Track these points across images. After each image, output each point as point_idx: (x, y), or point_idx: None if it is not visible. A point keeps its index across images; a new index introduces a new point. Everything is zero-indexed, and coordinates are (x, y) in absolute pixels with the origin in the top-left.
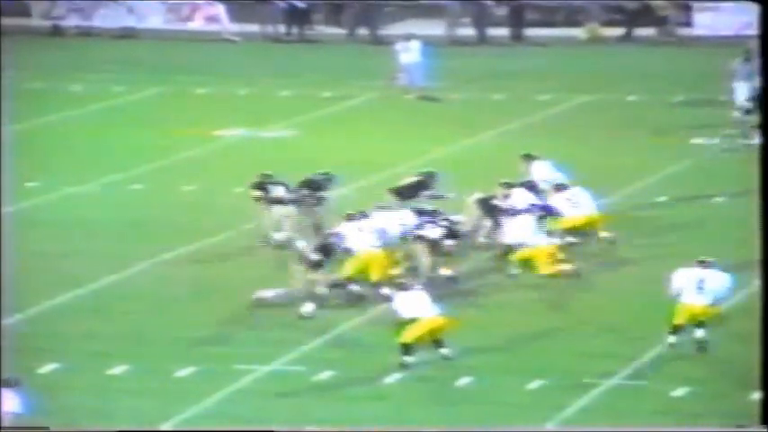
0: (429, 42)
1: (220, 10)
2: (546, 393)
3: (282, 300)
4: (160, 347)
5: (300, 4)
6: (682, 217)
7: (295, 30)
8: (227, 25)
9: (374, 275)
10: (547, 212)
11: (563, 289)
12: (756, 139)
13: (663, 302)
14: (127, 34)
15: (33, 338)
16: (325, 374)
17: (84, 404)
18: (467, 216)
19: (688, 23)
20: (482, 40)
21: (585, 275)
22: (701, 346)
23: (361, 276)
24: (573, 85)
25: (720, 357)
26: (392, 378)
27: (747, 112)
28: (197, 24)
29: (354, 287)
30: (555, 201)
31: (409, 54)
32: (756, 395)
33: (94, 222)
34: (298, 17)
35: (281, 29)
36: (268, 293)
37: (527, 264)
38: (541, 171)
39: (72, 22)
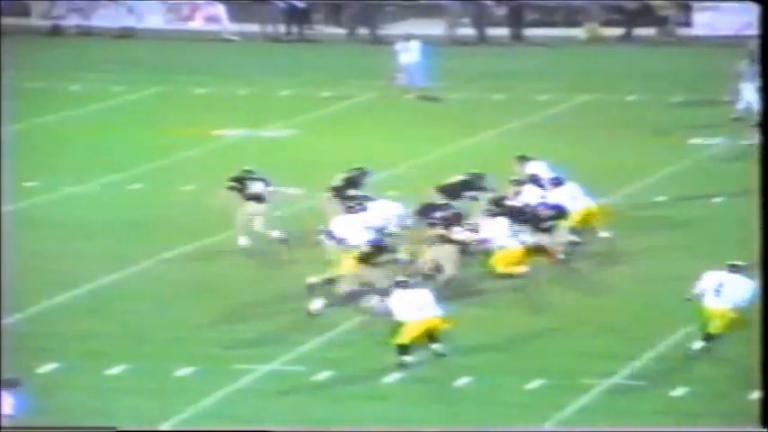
0: (429, 42)
1: (220, 10)
2: (545, 393)
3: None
4: (159, 347)
5: (300, 4)
6: (681, 217)
7: (295, 29)
8: (226, 25)
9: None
10: (558, 213)
11: (562, 289)
12: (756, 139)
13: (662, 302)
14: (126, 34)
15: (32, 338)
16: (325, 374)
17: (83, 404)
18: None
19: (688, 23)
20: (482, 39)
21: (585, 275)
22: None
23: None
24: (572, 85)
25: (720, 357)
26: (391, 378)
27: (753, 113)
28: (197, 24)
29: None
30: (555, 196)
31: (409, 54)
32: (756, 395)
33: (94, 222)
34: (297, 17)
35: (281, 29)
36: (320, 302)
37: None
38: (537, 172)
39: (72, 21)
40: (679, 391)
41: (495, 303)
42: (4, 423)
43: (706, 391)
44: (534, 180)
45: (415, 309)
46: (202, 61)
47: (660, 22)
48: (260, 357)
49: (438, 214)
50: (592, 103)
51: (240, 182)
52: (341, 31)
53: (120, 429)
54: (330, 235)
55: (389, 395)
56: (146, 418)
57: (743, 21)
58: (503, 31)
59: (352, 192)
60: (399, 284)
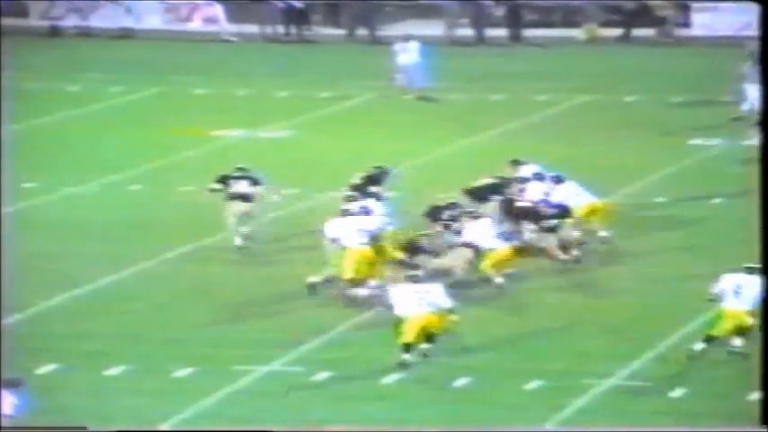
0: (427, 43)
1: (218, 10)
2: (544, 394)
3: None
4: (158, 347)
5: (299, 5)
6: (681, 217)
7: (293, 30)
8: (225, 26)
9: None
10: (562, 212)
11: (561, 289)
12: (756, 140)
13: (662, 303)
14: (125, 35)
15: (31, 339)
16: (324, 375)
17: (82, 405)
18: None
19: (686, 24)
20: (480, 40)
21: (584, 275)
22: (735, 354)
23: (359, 276)
24: (571, 85)
25: (719, 358)
26: (390, 378)
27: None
28: (195, 25)
29: (356, 290)
30: (558, 193)
31: (407, 54)
32: (756, 395)
33: (93, 223)
34: (296, 17)
35: (280, 29)
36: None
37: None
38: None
39: (70, 22)
40: (677, 392)
41: (494, 304)
42: (5, 423)
43: (705, 391)
44: (538, 177)
45: (416, 303)
46: (201, 62)
47: (659, 22)
48: (259, 358)
49: (447, 214)
50: (590, 103)
51: (224, 182)
52: (339, 31)
53: (120, 430)
54: (326, 235)
55: (388, 396)
56: (145, 419)
57: (741, 21)
58: (501, 32)
59: (371, 189)
60: (410, 279)
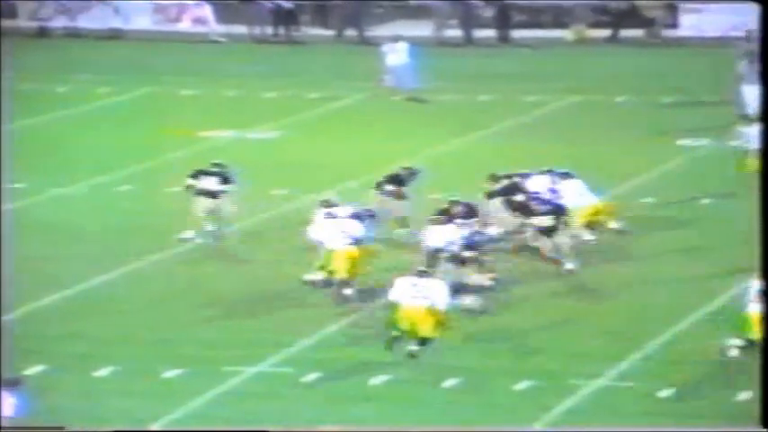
0: (416, 43)
1: (207, 11)
2: (533, 394)
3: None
4: (148, 349)
5: (287, 5)
6: (669, 218)
7: (282, 31)
8: (213, 26)
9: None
10: (556, 210)
11: (551, 290)
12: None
13: (650, 304)
14: (114, 35)
15: (20, 340)
16: (313, 376)
17: (71, 406)
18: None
19: (674, 25)
20: (469, 41)
21: (574, 276)
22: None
23: (349, 275)
24: (560, 86)
25: (707, 359)
26: (379, 379)
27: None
28: (184, 25)
29: (349, 290)
30: (565, 188)
31: (396, 55)
32: (743, 396)
33: (82, 224)
34: (285, 18)
35: (269, 30)
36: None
37: None
38: (509, 187)
39: (59, 23)
40: (666, 392)
41: (483, 305)
42: (5, 423)
43: (693, 392)
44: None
45: (413, 295)
46: (190, 62)
47: (647, 23)
48: (248, 359)
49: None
50: (579, 104)
51: (196, 177)
52: (328, 32)
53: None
54: (310, 237)
55: (378, 396)
56: (134, 420)
57: (729, 22)
58: (490, 33)
59: (392, 188)
60: (419, 273)
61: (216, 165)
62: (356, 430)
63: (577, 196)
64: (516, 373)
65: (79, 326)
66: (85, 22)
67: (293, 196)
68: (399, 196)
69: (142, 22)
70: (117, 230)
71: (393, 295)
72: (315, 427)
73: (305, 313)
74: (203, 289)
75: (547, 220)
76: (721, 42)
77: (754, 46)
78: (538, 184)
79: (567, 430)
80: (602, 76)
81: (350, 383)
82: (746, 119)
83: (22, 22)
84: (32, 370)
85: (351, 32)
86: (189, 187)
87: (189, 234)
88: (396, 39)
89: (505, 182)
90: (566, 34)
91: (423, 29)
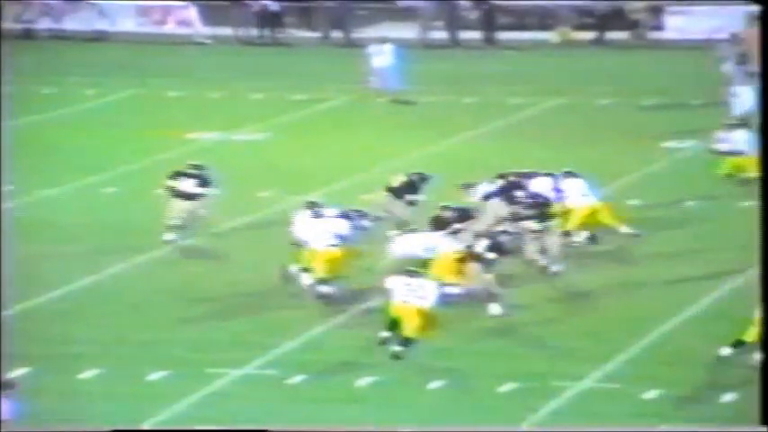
0: (402, 45)
1: (193, 13)
2: (519, 396)
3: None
4: (133, 351)
5: (273, 7)
6: (654, 220)
7: (268, 33)
8: (199, 28)
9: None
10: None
11: (535, 291)
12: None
13: (636, 305)
14: (99, 37)
15: (4, 342)
16: (298, 378)
17: (56, 408)
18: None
19: (659, 27)
20: (455, 43)
21: (558, 278)
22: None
23: (331, 276)
24: (545, 88)
25: (693, 359)
26: (365, 381)
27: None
28: (169, 27)
29: (327, 288)
30: (567, 186)
31: (382, 57)
32: (728, 397)
33: (68, 225)
34: (270, 20)
35: (254, 32)
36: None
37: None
38: (483, 192)
39: (43, 25)
40: (651, 394)
41: (468, 306)
42: (4, 428)
43: (678, 393)
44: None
45: (404, 294)
46: (175, 64)
47: (632, 25)
48: (233, 361)
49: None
50: (564, 106)
51: (175, 178)
52: (314, 34)
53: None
54: (294, 236)
55: (364, 397)
56: (119, 422)
57: (714, 25)
58: (475, 35)
59: (410, 197)
60: (410, 273)
61: (194, 166)
62: (343, 429)
63: (579, 196)
64: (502, 374)
65: (64, 328)
66: (70, 24)
67: (279, 198)
68: (411, 203)
69: (127, 24)
70: (103, 232)
71: (387, 295)
72: (301, 428)
73: (291, 315)
74: (189, 291)
75: (534, 224)
76: (706, 44)
77: (742, 48)
78: (541, 184)
79: (553, 431)
80: (588, 78)
81: (336, 385)
82: (739, 120)
83: (7, 24)
84: (16, 372)
85: (336, 34)
86: (168, 188)
87: (170, 236)
88: (381, 40)
89: (502, 182)
90: (551, 36)
91: (408, 31)
